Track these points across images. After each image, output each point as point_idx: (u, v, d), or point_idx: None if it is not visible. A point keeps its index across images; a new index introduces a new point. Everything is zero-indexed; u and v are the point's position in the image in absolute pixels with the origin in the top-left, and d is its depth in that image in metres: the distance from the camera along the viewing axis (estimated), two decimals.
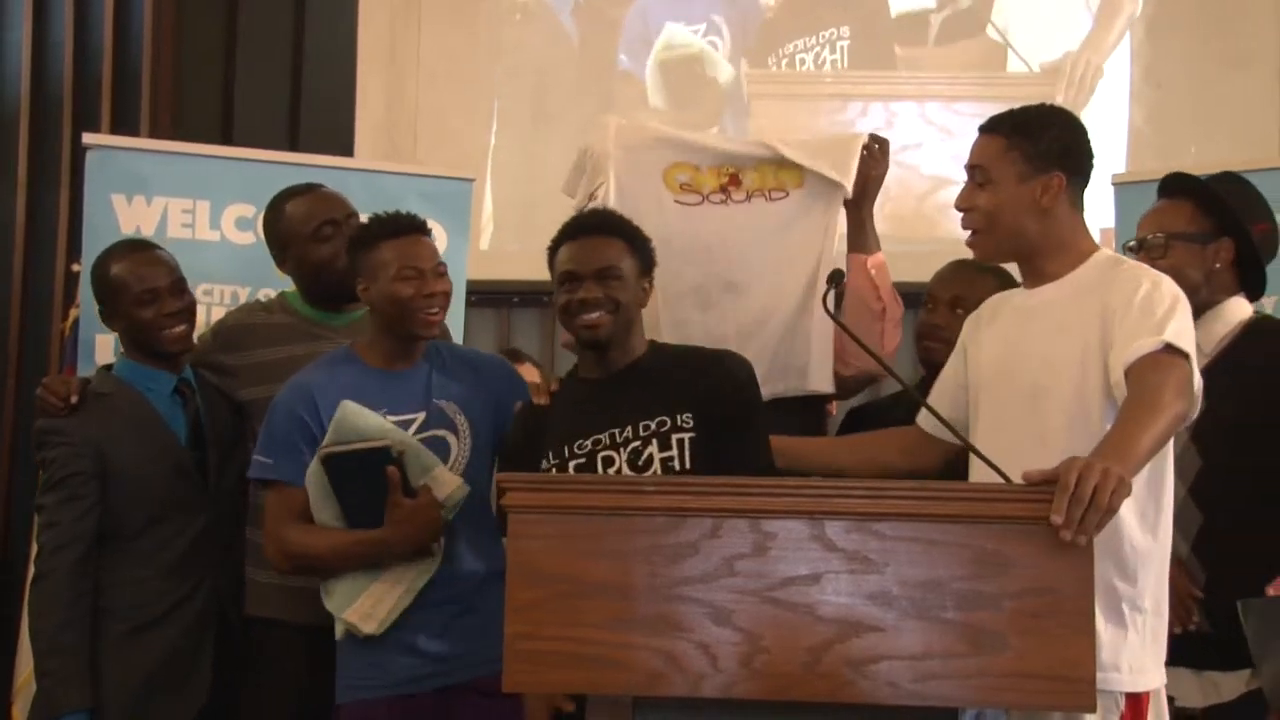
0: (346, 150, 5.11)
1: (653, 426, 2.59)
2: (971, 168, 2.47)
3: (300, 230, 3.06)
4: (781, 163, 3.12)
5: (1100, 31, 5.39)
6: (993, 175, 2.43)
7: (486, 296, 4.85)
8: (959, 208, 2.50)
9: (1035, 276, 2.48)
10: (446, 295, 2.77)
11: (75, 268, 4.07)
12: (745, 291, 3.10)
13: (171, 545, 2.91)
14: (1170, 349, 2.20)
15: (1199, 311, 2.72)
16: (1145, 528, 2.32)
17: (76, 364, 3.68)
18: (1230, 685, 2.65)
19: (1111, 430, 2.15)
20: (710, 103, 5.46)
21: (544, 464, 2.62)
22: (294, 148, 4.99)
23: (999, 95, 5.21)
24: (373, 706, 2.66)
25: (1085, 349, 2.33)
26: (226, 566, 3.00)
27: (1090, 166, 2.50)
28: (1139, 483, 2.27)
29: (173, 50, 5.20)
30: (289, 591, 2.92)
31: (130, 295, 2.94)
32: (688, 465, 2.56)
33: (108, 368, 3.09)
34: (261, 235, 3.74)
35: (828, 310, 2.58)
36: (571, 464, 2.60)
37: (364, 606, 2.63)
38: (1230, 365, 2.73)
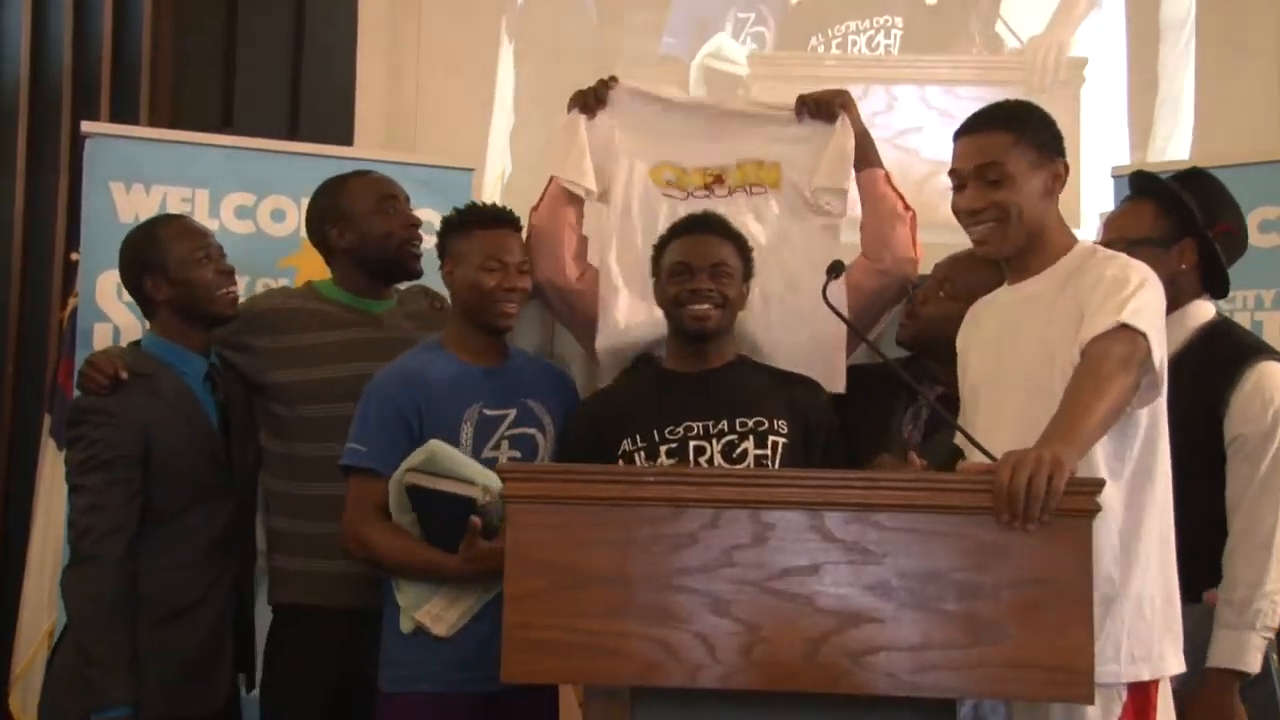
0: (346, 139, 5.09)
1: (750, 424, 2.72)
2: (980, 167, 2.42)
3: (365, 203, 3.12)
4: (761, 163, 3.19)
5: (1063, 13, 5.39)
6: (1009, 170, 2.40)
7: None
8: (972, 209, 2.44)
9: (1021, 271, 2.49)
10: (525, 292, 2.88)
11: (74, 256, 4.05)
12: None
13: (201, 532, 2.89)
14: (1125, 328, 2.23)
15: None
16: (1134, 514, 2.32)
17: (74, 353, 3.67)
18: None
19: (1056, 413, 2.16)
20: None
21: (626, 445, 2.71)
22: (293, 137, 4.97)
23: (998, 79, 5.22)
24: (423, 700, 2.69)
25: (1065, 338, 2.34)
26: (244, 556, 3.01)
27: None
28: (1125, 469, 2.30)
29: (172, 38, 5.19)
30: (319, 577, 2.95)
31: (183, 256, 2.94)
32: (779, 466, 2.68)
33: (135, 344, 3.04)
34: (261, 224, 3.77)
35: (828, 303, 2.59)
36: (663, 448, 2.70)
37: (435, 609, 2.70)
38: (1184, 378, 2.67)
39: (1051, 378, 2.34)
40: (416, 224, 3.15)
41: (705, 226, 2.84)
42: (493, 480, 2.64)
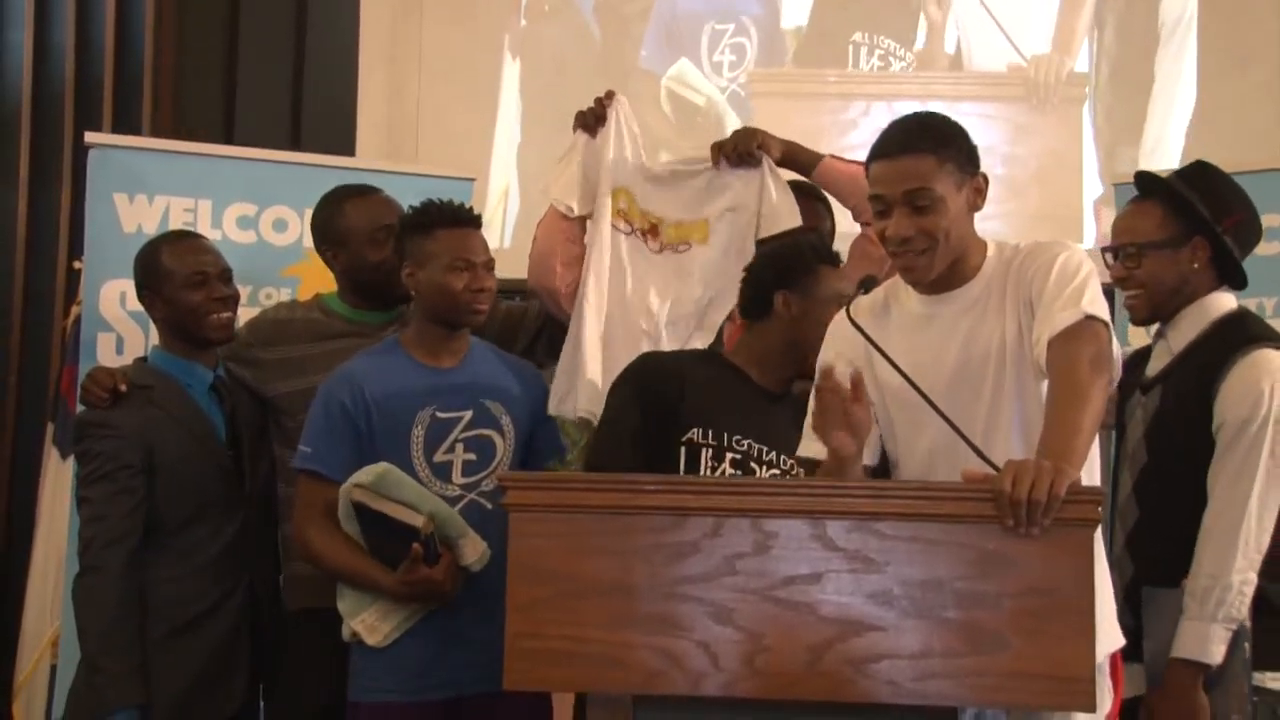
0: (348, 150, 5.12)
1: (789, 465, 2.68)
2: (909, 193, 2.32)
3: (359, 231, 3.09)
4: (694, 223, 3.23)
5: (1064, 31, 5.41)
6: (938, 194, 2.32)
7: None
8: (902, 237, 2.34)
9: (943, 283, 2.41)
10: (493, 291, 2.84)
11: (77, 266, 4.08)
12: (645, 335, 3.20)
13: (210, 544, 2.90)
14: (1089, 319, 2.21)
15: (1178, 309, 2.78)
16: None
17: (78, 362, 3.69)
18: (1139, 679, 2.67)
19: (1047, 427, 2.15)
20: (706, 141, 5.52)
21: (696, 434, 2.67)
22: (295, 147, 5.00)
23: (1000, 95, 5.24)
24: (386, 710, 2.69)
25: (1019, 333, 2.34)
26: (260, 566, 3.01)
27: None
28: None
29: (174, 49, 5.21)
30: (326, 580, 2.94)
31: (179, 278, 2.95)
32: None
33: (142, 360, 3.07)
34: (263, 234, 3.79)
35: (852, 320, 2.56)
36: (728, 455, 2.67)
37: (370, 618, 2.70)
38: (1187, 365, 2.73)
39: (1007, 378, 2.34)
40: None
41: (838, 261, 2.85)
42: (439, 508, 2.66)
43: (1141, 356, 2.91)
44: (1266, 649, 2.62)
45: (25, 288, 4.95)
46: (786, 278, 2.79)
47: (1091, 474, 2.35)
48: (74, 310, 4.01)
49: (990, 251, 2.44)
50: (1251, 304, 3.64)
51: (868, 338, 2.43)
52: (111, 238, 3.62)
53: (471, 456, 2.78)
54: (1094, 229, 5.28)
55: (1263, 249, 3.63)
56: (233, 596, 2.92)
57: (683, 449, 2.66)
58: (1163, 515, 2.71)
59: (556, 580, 2.03)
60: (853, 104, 5.38)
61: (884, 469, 2.50)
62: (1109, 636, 2.37)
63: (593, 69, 5.56)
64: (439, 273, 2.77)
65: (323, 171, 3.78)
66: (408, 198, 3.30)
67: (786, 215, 3.20)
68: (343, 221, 3.12)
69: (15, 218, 4.95)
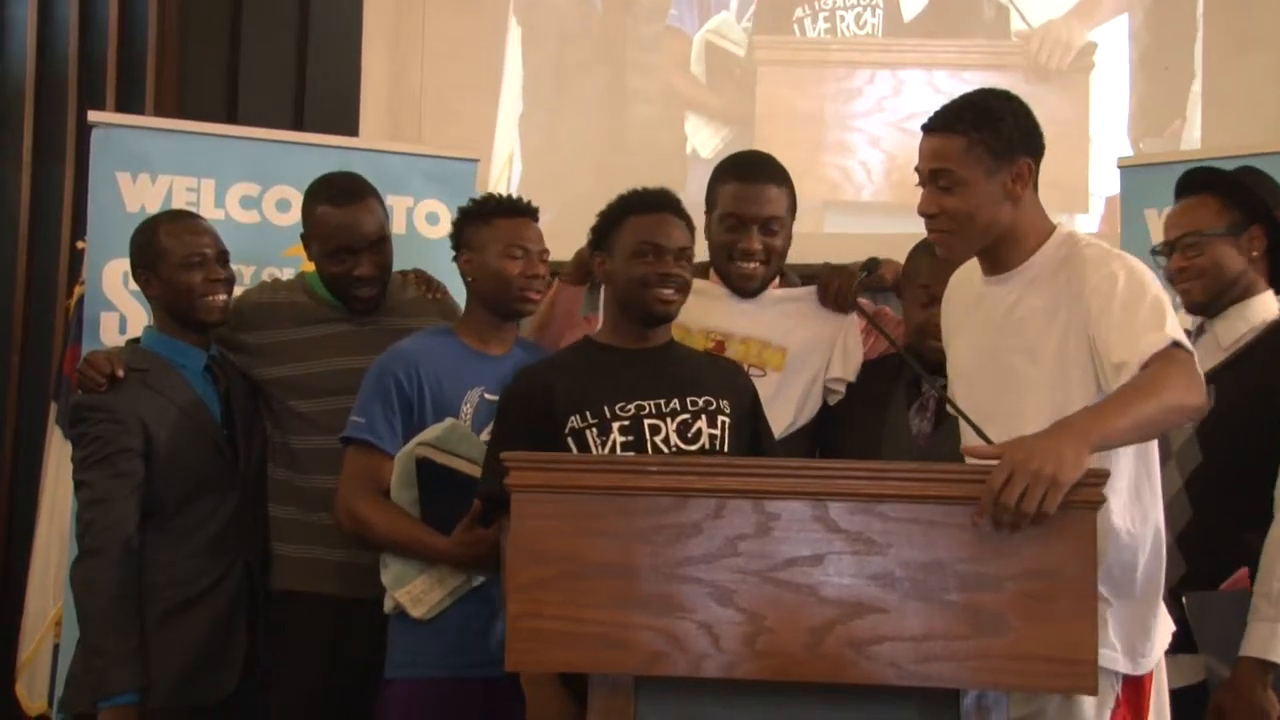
0: (351, 130, 5.10)
1: (700, 404, 2.67)
2: (933, 171, 2.37)
3: (322, 240, 3.07)
4: (767, 345, 3.08)
5: (1086, 6, 5.38)
6: (960, 177, 2.34)
7: None
8: (925, 213, 2.40)
9: (998, 264, 2.43)
10: (545, 279, 2.89)
11: (80, 245, 4.07)
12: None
13: (207, 524, 2.91)
14: (1177, 345, 2.19)
15: (1227, 305, 2.78)
16: (1137, 509, 2.34)
17: (81, 341, 3.69)
18: (1195, 667, 2.69)
19: (1100, 401, 2.15)
20: (733, 102, 5.48)
21: (574, 421, 2.62)
22: (299, 127, 4.98)
23: (1006, 64, 5.22)
24: (423, 687, 2.71)
25: (1064, 334, 2.32)
26: (254, 545, 3.01)
27: (1043, 143, 2.43)
28: (1131, 461, 2.30)
29: (178, 28, 5.19)
30: (317, 564, 2.96)
31: (176, 259, 2.94)
32: (727, 448, 2.66)
33: (135, 341, 3.06)
34: (266, 214, 3.78)
35: (855, 303, 2.55)
36: (615, 425, 2.62)
37: (415, 590, 2.71)
38: (1244, 366, 2.73)
39: (1038, 372, 2.34)
40: (363, 277, 3.04)
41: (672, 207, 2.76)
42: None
43: None
44: None
45: (28, 267, 4.95)
46: (595, 240, 2.76)
47: (1118, 463, 2.30)
48: (77, 290, 4.01)
49: (1053, 239, 2.41)
50: None
51: (863, 312, 2.49)
52: (115, 217, 3.61)
53: None
54: (1097, 201, 5.26)
55: None
56: (229, 575, 2.93)
57: (569, 440, 2.60)
58: (1219, 516, 2.70)
59: (558, 561, 2.03)
60: (857, 72, 5.36)
61: None
62: (1153, 654, 2.37)
63: (594, 39, 5.54)
64: (494, 258, 2.82)
65: (326, 151, 3.77)
66: (412, 178, 3.30)
67: (850, 366, 3.07)
68: (313, 224, 3.10)
69: (18, 197, 4.94)
